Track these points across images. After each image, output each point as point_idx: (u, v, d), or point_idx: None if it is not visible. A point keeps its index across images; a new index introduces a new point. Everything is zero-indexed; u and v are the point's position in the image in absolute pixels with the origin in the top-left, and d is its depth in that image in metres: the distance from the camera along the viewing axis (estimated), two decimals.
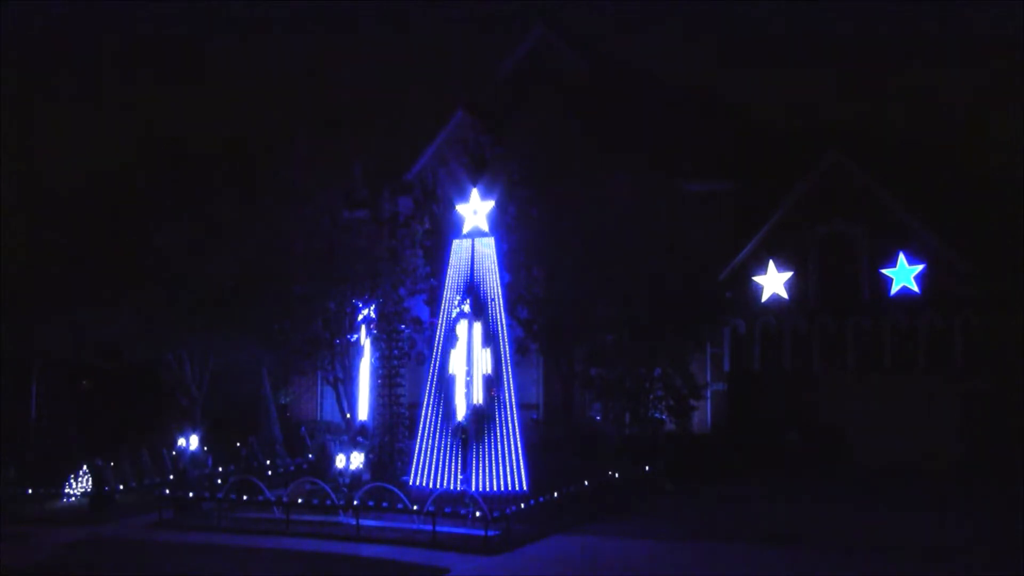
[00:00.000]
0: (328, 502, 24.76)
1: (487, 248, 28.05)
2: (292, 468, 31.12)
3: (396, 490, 24.63)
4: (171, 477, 28.44)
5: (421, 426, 27.70)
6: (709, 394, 34.49)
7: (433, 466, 27.36)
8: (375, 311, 31.95)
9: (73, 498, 27.29)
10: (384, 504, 24.20)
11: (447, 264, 28.59)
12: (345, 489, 25.81)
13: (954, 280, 32.04)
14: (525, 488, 25.88)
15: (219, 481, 28.12)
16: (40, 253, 33.96)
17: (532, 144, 32.52)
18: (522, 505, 23.88)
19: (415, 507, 23.69)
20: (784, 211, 34.48)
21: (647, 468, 29.02)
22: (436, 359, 28.01)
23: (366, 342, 32.89)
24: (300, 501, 24.95)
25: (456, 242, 28.50)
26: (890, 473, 30.57)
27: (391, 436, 28.81)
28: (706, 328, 33.68)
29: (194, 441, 31.58)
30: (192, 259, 31.67)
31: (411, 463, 27.79)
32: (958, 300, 31.89)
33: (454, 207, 28.57)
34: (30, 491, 27.59)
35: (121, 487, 27.84)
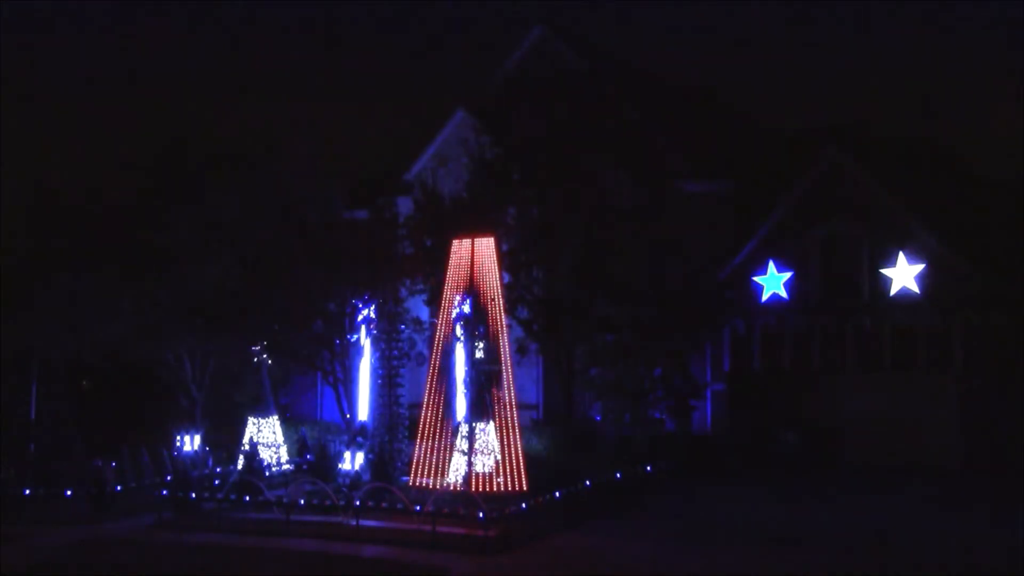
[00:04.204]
0: (328, 502, 24.76)
1: (487, 248, 28.08)
2: (292, 468, 31.13)
3: (396, 490, 24.65)
4: (171, 477, 28.42)
5: (421, 426, 27.74)
6: (709, 394, 34.52)
7: (433, 466, 27.40)
8: (375, 311, 31.94)
9: (73, 498, 27.26)
10: (384, 504, 24.20)
11: (447, 264, 28.63)
12: (345, 489, 25.81)
13: (954, 280, 32.03)
14: (525, 488, 25.90)
15: (219, 481, 28.11)
16: (41, 253, 33.93)
17: (532, 144, 32.52)
18: (522, 505, 23.88)
19: (415, 507, 23.68)
20: (784, 211, 34.48)
21: (647, 468, 29.02)
22: (436, 359, 28.05)
23: (366, 342, 32.87)
24: (300, 501, 24.95)
25: (456, 242, 28.53)
26: (890, 473, 30.58)
27: (391, 436, 28.82)
28: (706, 328, 33.70)
29: (194, 441, 31.60)
30: (193, 259, 31.65)
31: (411, 463, 27.83)
32: (958, 300, 31.88)
33: (454, 207, 28.62)
34: (30, 491, 27.57)
35: (121, 487, 27.81)
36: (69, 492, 27.36)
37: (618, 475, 27.56)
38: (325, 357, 33.64)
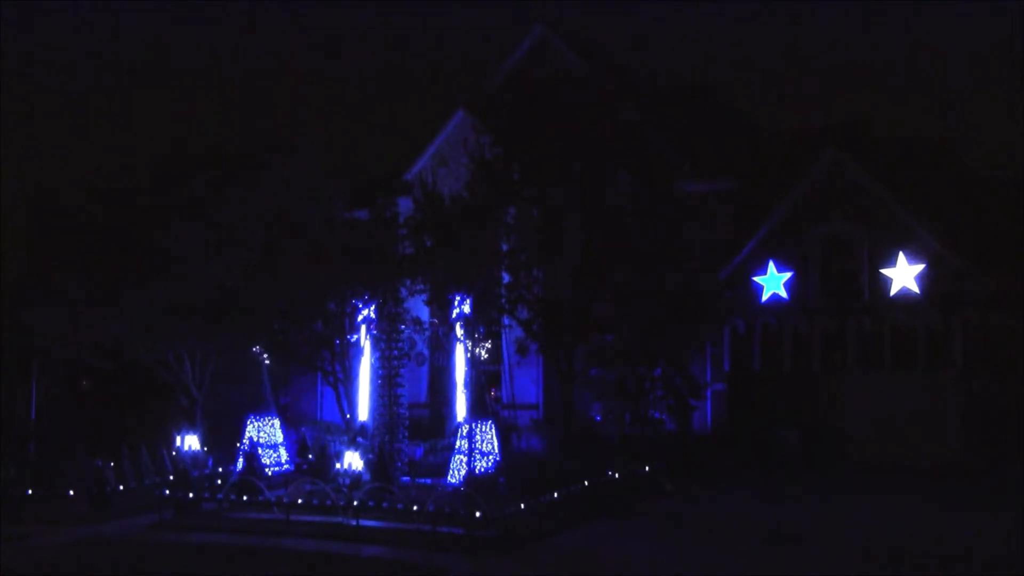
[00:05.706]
0: (328, 502, 24.76)
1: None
2: (292, 468, 31.13)
3: (396, 490, 24.64)
4: (171, 477, 28.42)
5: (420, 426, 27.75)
6: (709, 394, 34.54)
7: (433, 466, 27.40)
8: (375, 311, 31.94)
9: (73, 498, 27.26)
10: (384, 504, 24.20)
11: (447, 264, 28.61)
12: (345, 489, 25.80)
13: (954, 280, 32.05)
14: (525, 488, 25.89)
15: (219, 481, 28.10)
16: (40, 253, 33.94)
17: (532, 144, 32.52)
18: (522, 505, 23.87)
19: (415, 507, 23.68)
20: (784, 211, 34.50)
21: (647, 468, 29.02)
22: (436, 359, 28.05)
23: (366, 342, 32.81)
24: (300, 501, 24.94)
25: None
26: (891, 472, 30.59)
27: (391, 436, 28.83)
28: (706, 328, 33.71)
29: (194, 441, 31.60)
30: (193, 259, 31.65)
31: (411, 463, 27.82)
32: (958, 300, 31.92)
33: (454, 207, 28.56)
34: (30, 491, 27.57)
35: (121, 487, 27.82)
36: (69, 492, 27.36)
37: (618, 475, 27.55)
38: (325, 357, 33.62)
